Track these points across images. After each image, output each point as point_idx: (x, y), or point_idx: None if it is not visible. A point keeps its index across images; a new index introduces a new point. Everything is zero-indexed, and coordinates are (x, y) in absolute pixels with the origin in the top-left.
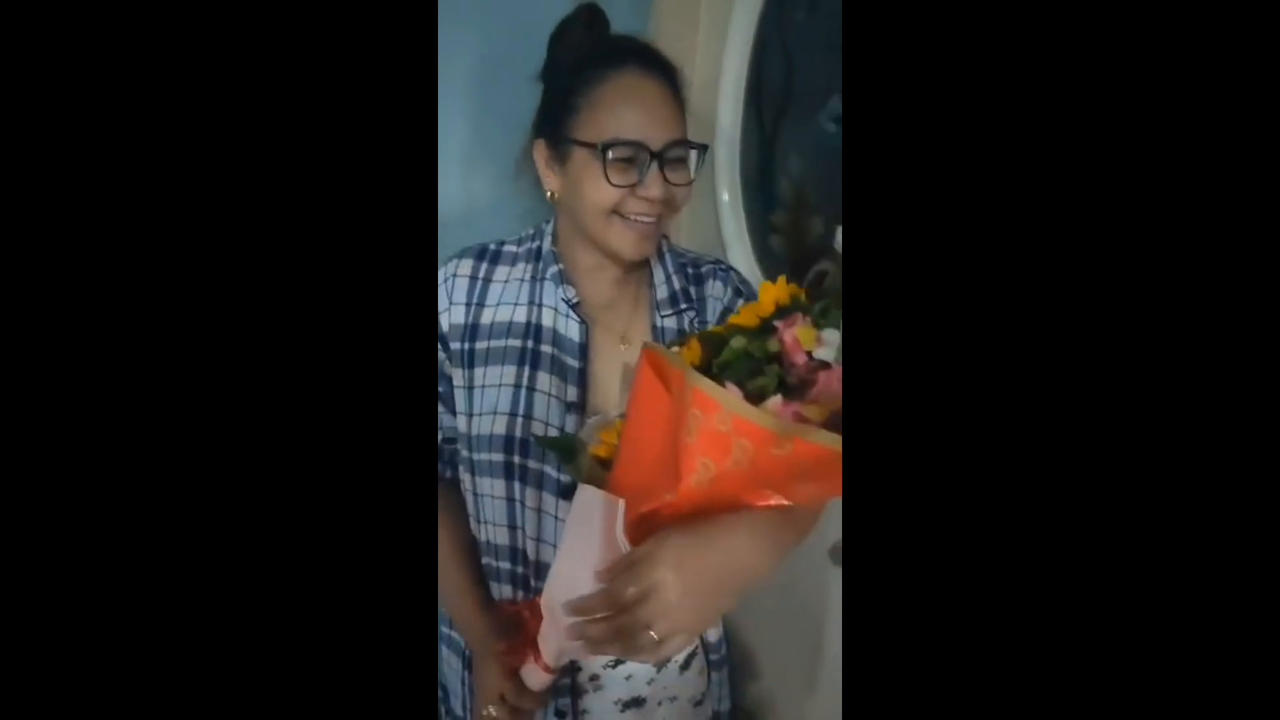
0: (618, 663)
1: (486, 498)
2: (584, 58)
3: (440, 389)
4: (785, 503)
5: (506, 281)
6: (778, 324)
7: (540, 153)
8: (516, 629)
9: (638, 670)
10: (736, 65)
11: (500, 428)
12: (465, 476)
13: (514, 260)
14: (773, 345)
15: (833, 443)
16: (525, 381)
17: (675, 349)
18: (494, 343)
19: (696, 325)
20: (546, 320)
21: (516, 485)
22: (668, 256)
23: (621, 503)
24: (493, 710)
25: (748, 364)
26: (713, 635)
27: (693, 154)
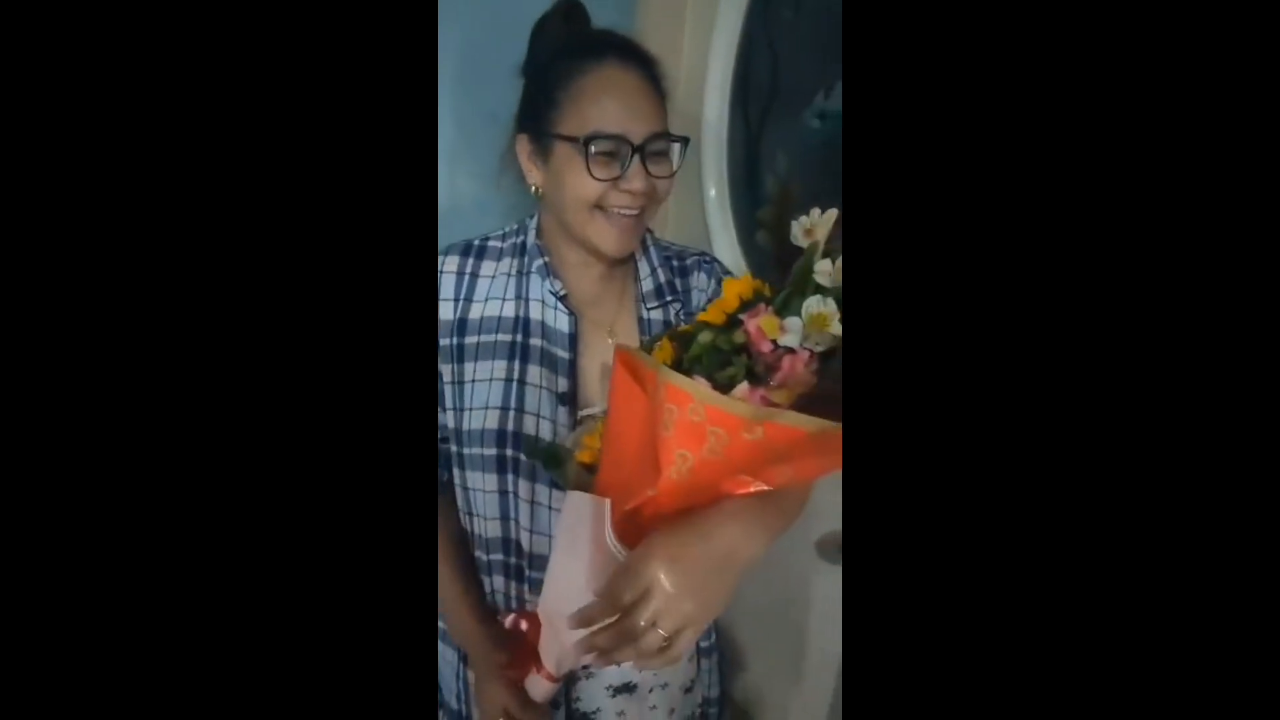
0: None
1: (478, 492)
2: (564, 51)
3: None
4: (765, 488)
5: (493, 276)
6: (743, 317)
7: (523, 147)
8: (517, 642)
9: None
10: (723, 62)
11: (492, 422)
12: (456, 472)
13: (499, 255)
14: (738, 337)
15: (800, 424)
16: (516, 375)
17: (651, 350)
18: (483, 338)
19: (682, 317)
20: (534, 313)
21: (509, 478)
22: (652, 249)
23: (607, 503)
24: None
25: (716, 356)
26: None
27: (675, 146)
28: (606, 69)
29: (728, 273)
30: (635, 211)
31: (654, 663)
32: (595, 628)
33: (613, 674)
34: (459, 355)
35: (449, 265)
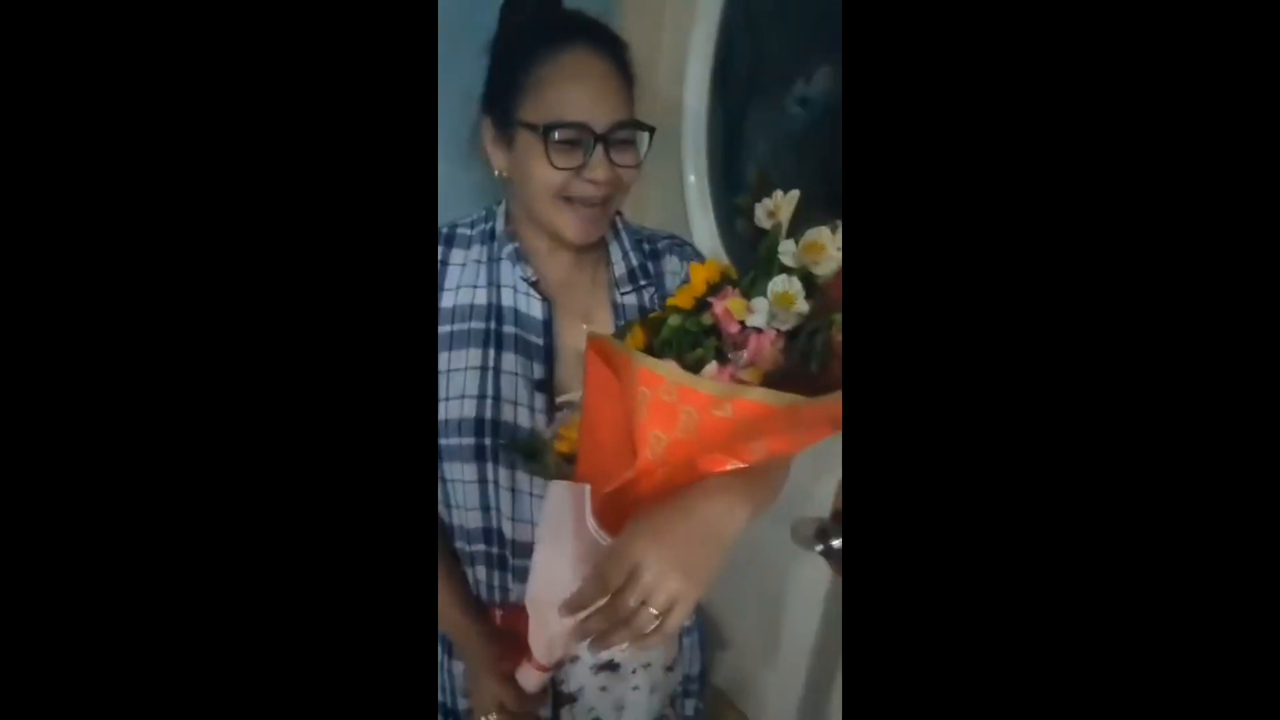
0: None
1: (457, 482)
2: (529, 33)
3: None
4: (742, 465)
5: (464, 264)
6: (712, 300)
7: (487, 131)
8: (507, 634)
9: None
10: (703, 48)
11: (469, 411)
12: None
13: (469, 243)
14: (707, 319)
15: (768, 399)
16: (491, 363)
17: (624, 337)
18: (456, 326)
19: (656, 300)
20: (507, 300)
21: (489, 466)
22: (624, 233)
23: (587, 488)
24: (493, 718)
25: (685, 338)
26: None
27: (641, 135)
28: (571, 53)
29: (698, 255)
30: (599, 201)
31: (648, 643)
32: (586, 613)
33: (596, 653)
34: None
35: None
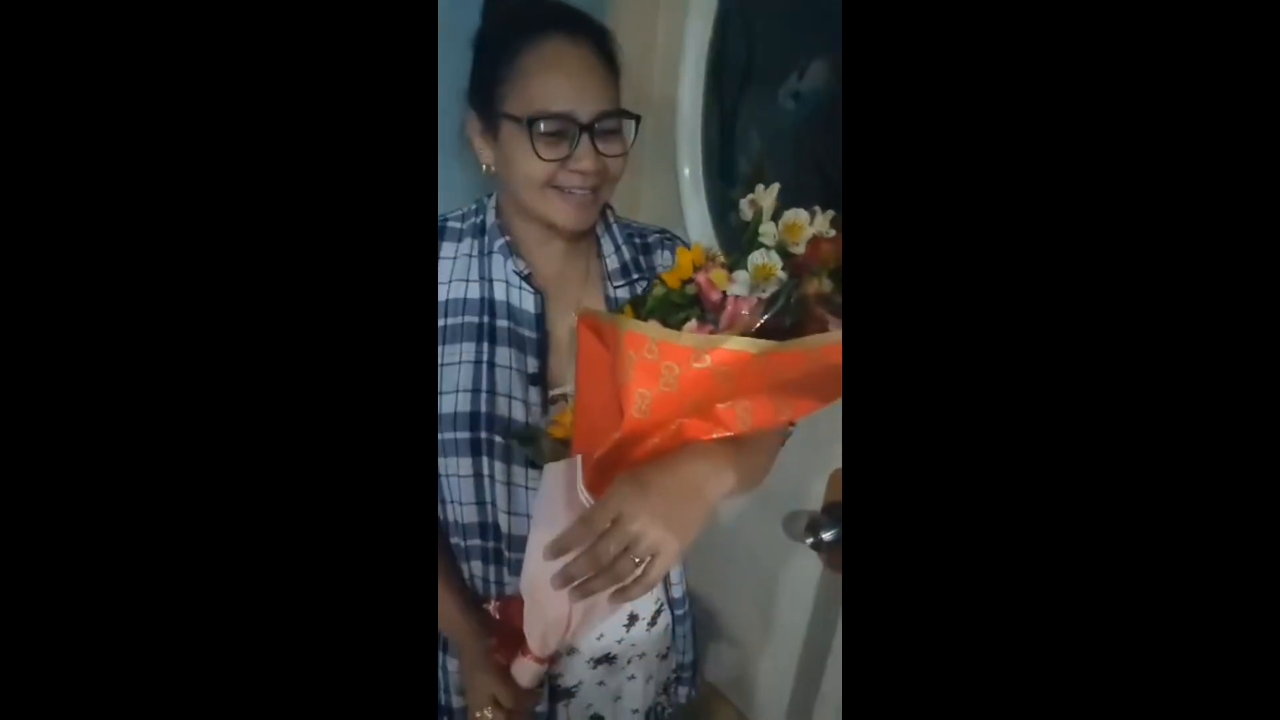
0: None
1: (453, 477)
2: (512, 24)
3: None
4: (727, 433)
5: (455, 258)
6: (696, 276)
7: (473, 125)
8: (502, 627)
9: (608, 630)
10: (697, 42)
11: (464, 405)
12: None
13: (459, 236)
14: (690, 289)
15: (745, 347)
16: (485, 357)
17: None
18: (450, 320)
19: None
20: (499, 294)
21: (484, 460)
22: (614, 227)
23: (579, 458)
24: (488, 713)
25: (670, 307)
26: (677, 592)
27: (628, 124)
28: (553, 43)
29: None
30: (588, 189)
31: (630, 593)
32: (569, 556)
33: (592, 647)
34: None
35: None
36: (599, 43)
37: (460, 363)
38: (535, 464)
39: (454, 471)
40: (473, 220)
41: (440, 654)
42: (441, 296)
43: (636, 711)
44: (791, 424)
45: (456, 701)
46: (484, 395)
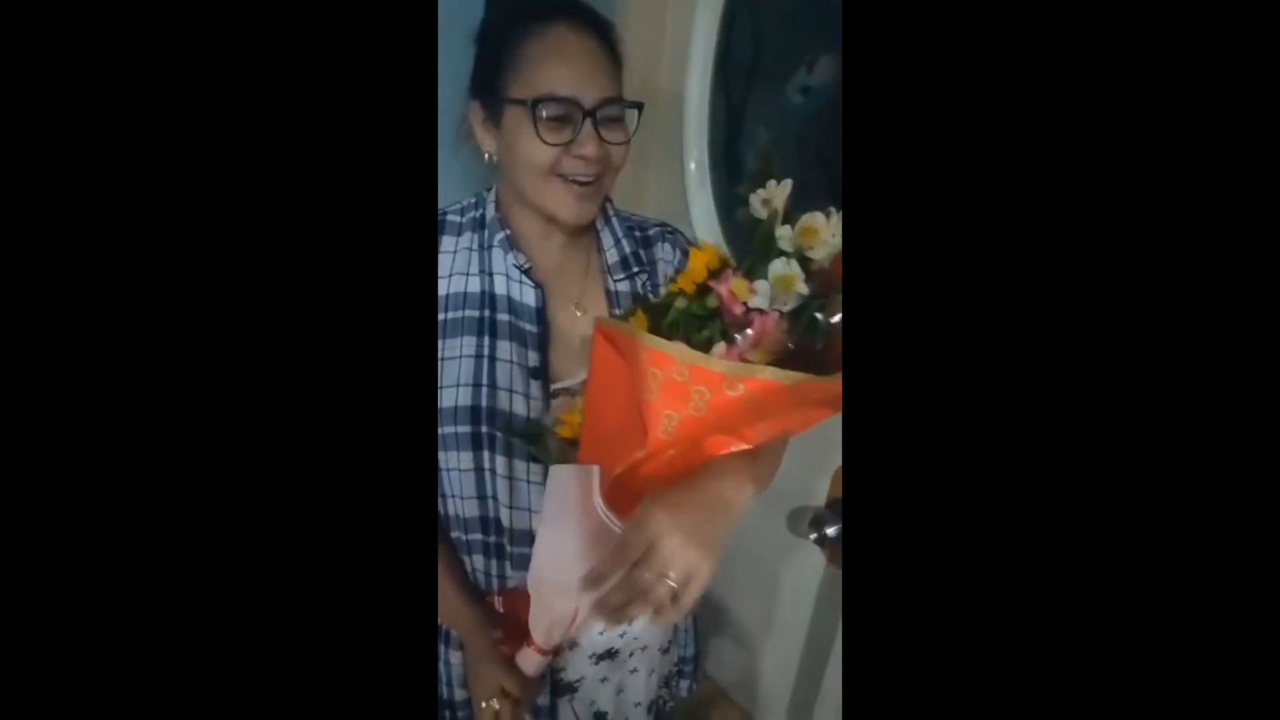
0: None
1: (454, 471)
2: (515, 14)
3: None
4: (745, 446)
5: (455, 252)
6: (711, 283)
7: (476, 115)
8: (507, 618)
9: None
10: (705, 36)
11: (465, 399)
12: None
13: (459, 230)
14: (711, 301)
15: (779, 378)
16: (486, 351)
17: (626, 321)
18: (450, 315)
19: (649, 288)
20: (499, 288)
21: (486, 454)
22: (614, 220)
23: (596, 469)
24: (495, 704)
25: (692, 321)
26: None
27: (630, 113)
28: (556, 31)
29: (690, 243)
30: (591, 178)
31: (667, 617)
32: (606, 586)
33: (595, 642)
34: None
35: None
36: (602, 33)
37: (461, 357)
38: (537, 459)
39: (455, 465)
40: (473, 214)
41: (442, 647)
42: (442, 290)
43: (639, 705)
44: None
45: (459, 694)
46: (485, 389)
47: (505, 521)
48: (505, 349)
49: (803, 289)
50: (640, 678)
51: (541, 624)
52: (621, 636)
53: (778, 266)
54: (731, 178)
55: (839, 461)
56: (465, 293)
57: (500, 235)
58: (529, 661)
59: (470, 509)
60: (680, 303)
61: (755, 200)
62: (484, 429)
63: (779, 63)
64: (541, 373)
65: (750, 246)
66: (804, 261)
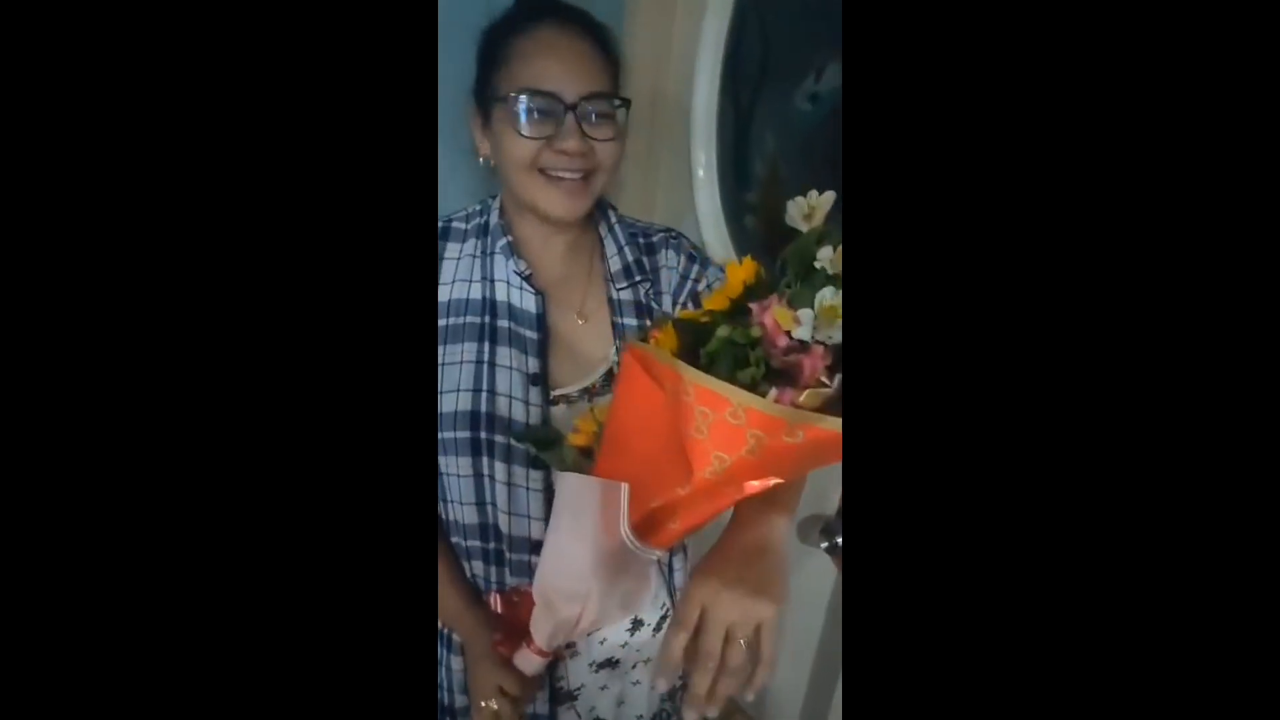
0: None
1: (453, 476)
2: (510, 16)
3: None
4: (778, 481)
5: (459, 259)
6: (753, 306)
7: (473, 117)
8: (508, 617)
9: (611, 634)
10: (713, 43)
11: (465, 404)
12: None
13: (464, 237)
14: (755, 331)
15: (836, 427)
16: (486, 357)
17: (651, 338)
18: (452, 320)
19: (652, 296)
20: (500, 294)
21: (484, 460)
22: (618, 227)
23: (625, 487)
24: (493, 704)
25: (734, 351)
26: None
27: (621, 110)
28: (546, 30)
29: (695, 247)
30: (576, 174)
31: (757, 678)
32: (674, 673)
33: (596, 651)
34: None
35: None
36: (595, 33)
37: (462, 362)
38: (537, 465)
39: (453, 470)
40: (477, 220)
41: (444, 652)
42: (445, 297)
43: (640, 717)
44: None
45: (460, 700)
46: (484, 395)
47: (504, 528)
48: (505, 355)
49: None
50: (643, 690)
51: (545, 628)
52: (623, 646)
53: (826, 296)
54: (740, 185)
55: None
56: (467, 299)
57: (502, 241)
58: (527, 662)
59: (469, 515)
60: (723, 330)
61: (794, 210)
62: (483, 435)
63: (787, 70)
64: (541, 379)
65: (785, 260)
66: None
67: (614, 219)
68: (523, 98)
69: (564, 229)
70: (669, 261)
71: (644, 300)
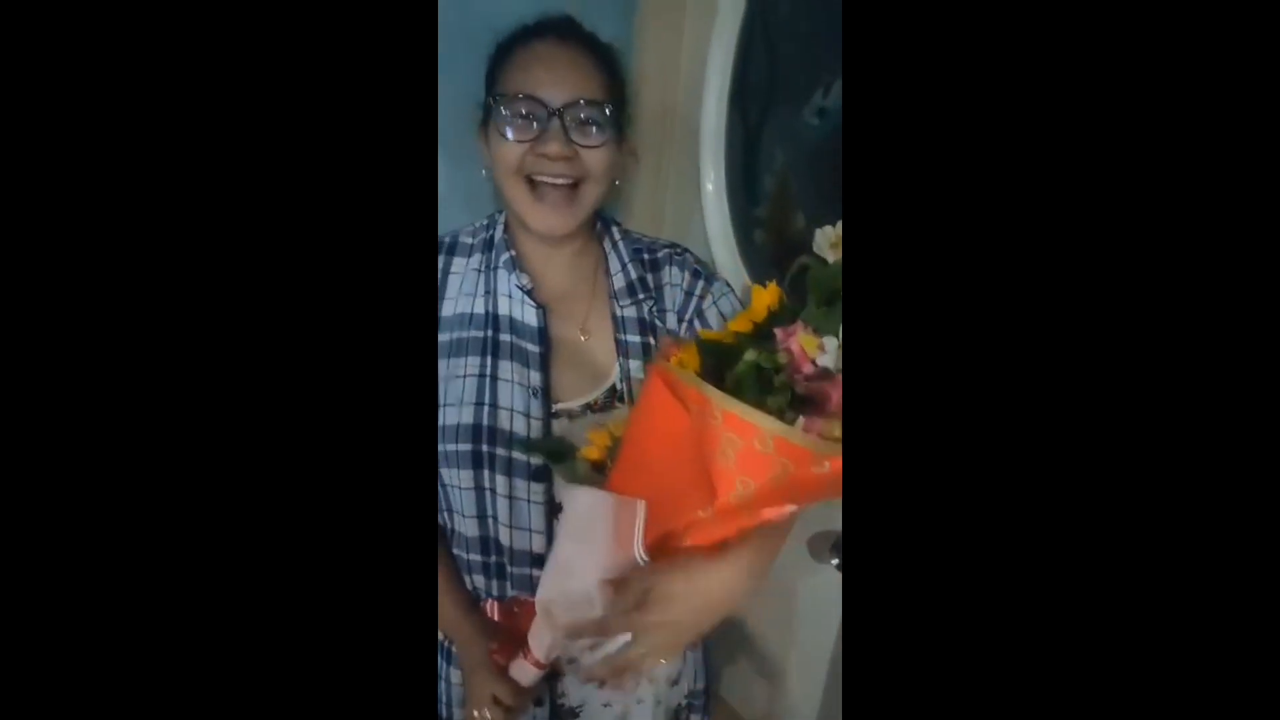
0: (595, 645)
1: (455, 489)
2: (514, 34)
3: None
4: (795, 509)
5: (464, 273)
6: (778, 332)
7: (479, 130)
8: (506, 626)
9: (615, 651)
10: (722, 58)
11: (467, 417)
12: None
13: (469, 251)
14: (781, 357)
15: None
16: (489, 370)
17: (674, 357)
18: (456, 334)
19: (656, 314)
20: (503, 308)
21: (486, 474)
22: (622, 244)
23: (642, 504)
24: (487, 713)
25: (760, 376)
26: None
27: (610, 118)
28: (544, 42)
29: (700, 264)
30: (563, 182)
31: (616, 673)
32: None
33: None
34: None
35: None
36: (594, 48)
37: (465, 376)
38: (539, 478)
39: (455, 483)
40: (483, 235)
41: (442, 664)
42: (449, 311)
43: None
44: None
45: (458, 715)
46: (486, 408)
47: (505, 541)
48: (507, 369)
49: None
50: (646, 709)
51: (544, 641)
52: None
53: None
54: (749, 200)
55: None
56: (470, 313)
57: (505, 256)
58: (523, 673)
59: (470, 528)
60: (750, 355)
61: (821, 239)
62: (485, 448)
63: (795, 85)
64: (542, 392)
65: (809, 286)
66: None
67: (618, 235)
68: (509, 102)
69: (565, 244)
70: (673, 278)
71: (648, 317)
